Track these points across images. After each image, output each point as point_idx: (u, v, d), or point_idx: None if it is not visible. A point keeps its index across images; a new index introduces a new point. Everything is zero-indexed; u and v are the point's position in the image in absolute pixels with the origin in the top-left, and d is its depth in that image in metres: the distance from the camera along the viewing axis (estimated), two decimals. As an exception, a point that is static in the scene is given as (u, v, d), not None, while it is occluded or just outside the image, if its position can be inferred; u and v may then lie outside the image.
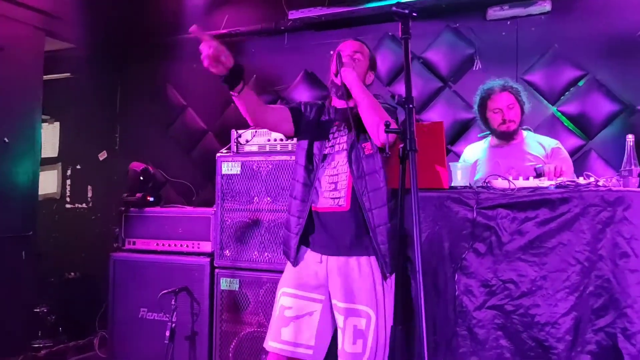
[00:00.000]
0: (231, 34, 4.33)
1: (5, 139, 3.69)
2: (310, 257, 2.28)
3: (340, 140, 2.22)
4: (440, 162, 2.32)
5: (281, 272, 3.15)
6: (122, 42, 4.58)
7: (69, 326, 4.21)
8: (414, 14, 1.46)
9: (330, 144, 2.25)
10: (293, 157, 3.18)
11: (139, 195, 3.77)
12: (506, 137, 2.96)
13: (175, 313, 3.18)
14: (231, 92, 2.04)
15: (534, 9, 3.49)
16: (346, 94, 2.18)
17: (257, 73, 4.34)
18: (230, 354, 3.30)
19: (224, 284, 3.37)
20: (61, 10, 4.06)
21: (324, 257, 2.22)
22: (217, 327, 3.36)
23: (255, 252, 3.31)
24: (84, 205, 4.37)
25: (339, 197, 2.18)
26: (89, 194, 4.51)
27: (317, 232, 2.24)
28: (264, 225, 3.29)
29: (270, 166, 3.29)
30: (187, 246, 3.58)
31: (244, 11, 4.35)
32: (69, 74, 4.49)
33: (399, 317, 1.35)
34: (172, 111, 4.64)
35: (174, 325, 3.16)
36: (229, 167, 3.41)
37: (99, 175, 4.60)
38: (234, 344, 3.30)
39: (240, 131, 3.46)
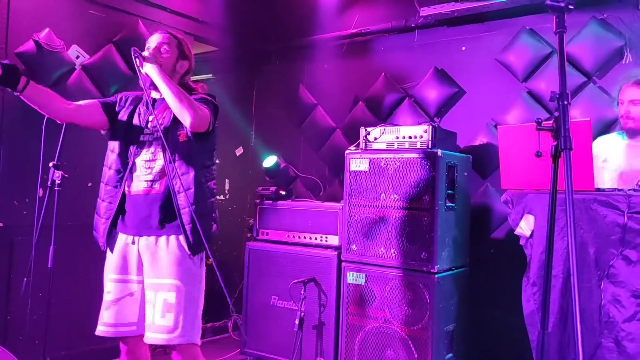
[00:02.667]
0: (361, 33, 4.41)
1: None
2: (122, 239, 2.37)
3: (158, 128, 2.30)
4: (586, 163, 2.19)
5: (408, 270, 3.20)
6: (258, 44, 4.86)
7: (207, 309, 4.54)
8: (571, 6, 1.37)
9: (148, 132, 2.37)
10: (422, 155, 3.20)
11: (272, 188, 3.98)
12: (630, 133, 2.72)
13: (304, 302, 3.33)
14: (14, 93, 2.14)
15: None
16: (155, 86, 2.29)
17: (385, 71, 4.37)
18: (356, 347, 3.37)
19: (351, 277, 3.44)
20: (207, 16, 4.41)
21: (136, 238, 2.33)
22: (343, 319, 3.44)
23: (382, 248, 3.34)
24: (222, 197, 4.69)
25: (154, 181, 2.31)
26: (227, 187, 4.84)
27: (128, 215, 2.35)
28: (390, 222, 3.31)
29: (397, 164, 3.30)
30: (316, 239, 3.72)
31: (374, 10, 4.41)
32: (211, 75, 4.85)
33: (546, 322, 1.30)
34: (303, 110, 4.82)
35: (302, 314, 3.32)
36: (357, 164, 3.48)
37: (235, 170, 4.92)
38: (359, 336, 3.36)
39: (369, 129, 3.52)
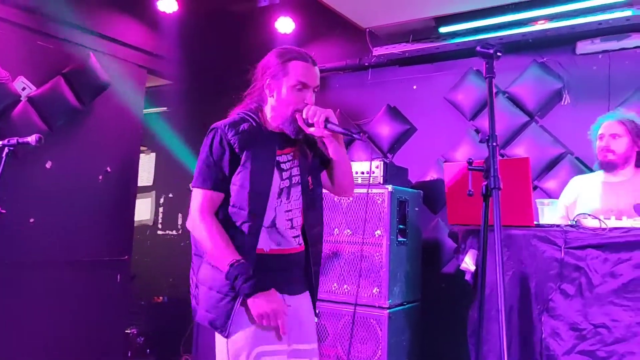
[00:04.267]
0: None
1: (108, 169, 4.02)
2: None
3: (294, 172, 1.93)
4: (526, 199, 2.27)
5: (361, 305, 3.20)
6: (216, 77, 4.88)
7: (156, 348, 4.42)
8: (499, 54, 1.46)
9: (286, 175, 1.92)
10: (374, 190, 3.25)
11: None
12: (605, 167, 2.79)
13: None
14: None
15: (628, 42, 3.36)
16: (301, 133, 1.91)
17: (341, 107, 4.45)
18: (308, 385, 3.31)
19: (303, 313, 3.41)
20: (162, 49, 4.41)
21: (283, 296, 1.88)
22: (295, 356, 3.39)
23: (335, 284, 3.34)
24: (174, 232, 4.62)
25: (297, 236, 1.94)
26: (179, 222, 4.77)
27: (269, 272, 1.87)
28: (343, 257, 3.33)
29: (350, 199, 3.34)
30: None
31: (330, 48, 4.51)
32: (166, 108, 4.83)
33: (479, 353, 1.32)
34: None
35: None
36: (311, 199, 3.49)
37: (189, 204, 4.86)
38: (311, 374, 3.31)
39: (322, 164, 3.55)
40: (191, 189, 1.88)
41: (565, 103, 3.56)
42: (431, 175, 3.99)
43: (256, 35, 4.55)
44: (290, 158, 1.93)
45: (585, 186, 2.85)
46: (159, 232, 4.88)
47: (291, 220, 1.91)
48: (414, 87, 4.17)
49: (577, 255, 2.04)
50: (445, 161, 3.91)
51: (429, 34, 3.84)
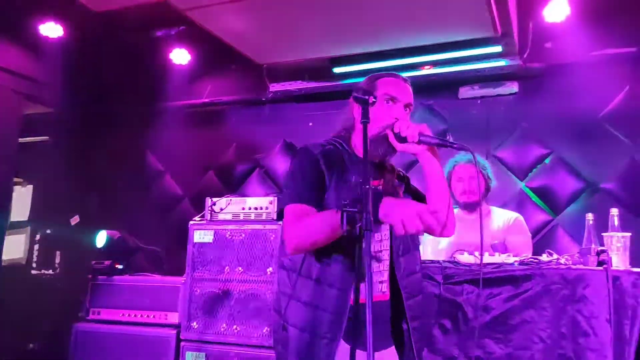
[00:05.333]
0: (213, 103, 4.44)
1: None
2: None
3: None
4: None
5: (251, 346, 3.10)
6: (103, 108, 4.65)
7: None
8: (374, 100, 1.53)
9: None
10: (267, 226, 3.20)
11: (107, 262, 3.70)
12: (468, 207, 2.98)
13: (137, 387, 3.05)
14: None
15: (503, 90, 3.65)
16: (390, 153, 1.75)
17: (237, 141, 4.42)
18: None
19: (190, 358, 3.24)
20: (42, 75, 4.13)
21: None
22: (180, 403, 3.21)
23: (224, 325, 3.22)
24: (50, 271, 4.26)
25: (382, 282, 1.67)
26: (57, 260, 4.41)
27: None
28: (234, 296, 3.22)
29: (243, 235, 3.27)
30: (154, 317, 3.46)
31: (226, 81, 4.48)
32: (46, 137, 4.51)
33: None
34: (150, 177, 4.65)
35: (135, 401, 3.03)
36: (201, 236, 3.38)
37: (69, 241, 4.52)
38: (197, 421, 3.14)
39: (214, 199, 3.46)
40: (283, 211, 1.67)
41: (449, 144, 3.77)
42: (325, 212, 4.03)
43: (150, 65, 4.42)
44: (379, 190, 1.69)
45: None
46: (33, 272, 4.47)
47: (379, 261, 1.65)
48: (310, 124, 4.24)
49: (454, 291, 2.12)
50: (339, 198, 3.97)
51: (324, 74, 3.94)
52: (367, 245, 1.26)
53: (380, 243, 1.68)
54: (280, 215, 1.33)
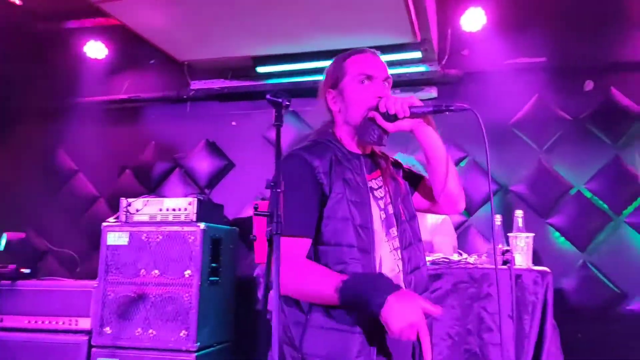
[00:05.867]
0: (131, 99, 4.27)
1: None
2: None
3: (387, 201, 1.56)
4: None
5: (167, 350, 3.01)
6: (7, 103, 4.35)
7: None
8: (287, 103, 1.45)
9: (382, 205, 1.55)
10: (186, 228, 3.12)
11: (12, 266, 3.46)
12: None
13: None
14: None
15: (422, 95, 3.77)
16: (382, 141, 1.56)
17: (156, 140, 4.27)
18: None
19: (102, 364, 3.11)
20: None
21: None
22: (92, 413, 3.07)
23: (139, 329, 3.11)
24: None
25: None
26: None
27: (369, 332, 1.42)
28: (150, 300, 3.12)
29: (160, 237, 3.17)
30: (64, 323, 3.29)
31: (146, 77, 4.32)
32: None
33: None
34: (61, 176, 4.41)
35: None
36: (115, 238, 3.24)
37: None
38: None
39: (130, 200, 3.33)
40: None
41: (371, 147, 3.84)
42: (248, 212, 3.98)
43: (63, 58, 4.20)
44: (380, 184, 1.55)
45: None
46: None
47: (397, 262, 1.49)
48: (233, 123, 4.18)
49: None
50: (261, 198, 3.93)
51: (247, 73, 3.89)
52: (276, 250, 1.22)
53: (397, 250, 1.53)
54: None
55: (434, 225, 3.04)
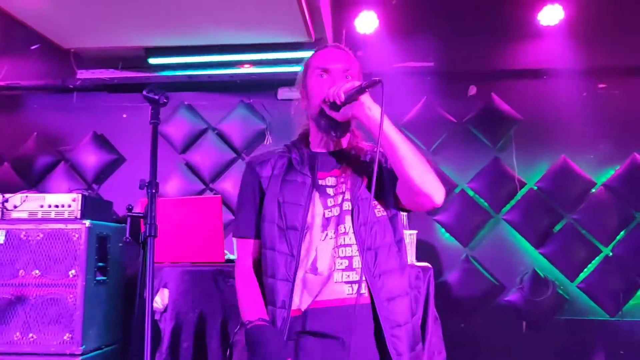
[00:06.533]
0: (9, 87, 3.96)
1: None
2: None
3: (345, 197, 1.49)
4: (217, 236, 2.35)
5: (49, 354, 2.85)
6: None
7: None
8: (165, 100, 1.47)
9: (332, 203, 1.50)
10: (70, 225, 2.97)
11: None
12: None
13: None
14: None
15: (317, 93, 3.84)
16: (344, 133, 1.54)
17: (38, 131, 4.01)
18: None
19: (-24, 372, 2.89)
20: None
21: None
22: None
23: (18, 333, 2.92)
24: None
25: (357, 282, 1.41)
26: None
27: (309, 336, 1.42)
28: (29, 302, 2.94)
29: (41, 235, 2.98)
30: None
31: (26, 64, 4.01)
32: None
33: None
34: None
35: None
36: (-10, 236, 3.01)
37: None
38: None
39: (7, 195, 3.10)
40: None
41: (268, 143, 3.87)
42: (140, 208, 3.85)
43: None
44: (339, 181, 1.49)
45: None
46: None
47: (349, 259, 1.42)
48: (124, 115, 4.01)
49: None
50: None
51: (139, 64, 3.75)
52: (150, 253, 1.23)
53: (346, 247, 1.46)
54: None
55: None
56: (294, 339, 1.41)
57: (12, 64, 4.02)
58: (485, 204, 3.71)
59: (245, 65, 3.75)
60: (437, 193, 1.40)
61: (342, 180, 1.50)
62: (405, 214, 1.66)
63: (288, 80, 3.90)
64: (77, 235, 2.97)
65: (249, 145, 3.91)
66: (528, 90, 3.77)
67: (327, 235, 1.44)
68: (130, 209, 1.28)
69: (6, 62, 4.01)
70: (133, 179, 3.94)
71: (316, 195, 1.48)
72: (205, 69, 3.74)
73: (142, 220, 1.32)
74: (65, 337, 2.89)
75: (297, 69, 3.70)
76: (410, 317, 1.46)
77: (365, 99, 1.43)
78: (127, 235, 1.25)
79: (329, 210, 1.47)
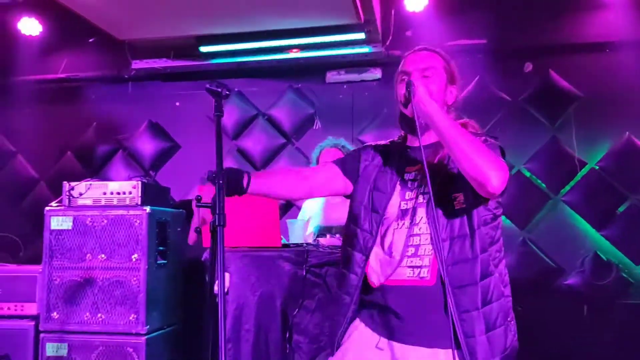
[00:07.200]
0: (70, 79, 4.13)
1: None
2: (365, 337, 1.60)
3: (424, 190, 1.59)
4: (273, 221, 2.40)
5: (116, 333, 3.01)
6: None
7: None
8: (227, 93, 1.52)
9: (411, 196, 1.61)
10: (131, 212, 3.09)
11: (-51, 253, 3.35)
12: None
13: (-12, 388, 2.85)
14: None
15: (367, 76, 3.82)
16: (419, 128, 1.53)
17: (97, 120, 4.16)
18: None
19: (51, 349, 3.07)
20: None
21: (390, 343, 1.55)
22: (41, 398, 3.05)
23: (87, 314, 3.08)
24: None
25: (421, 267, 1.53)
26: None
27: (379, 309, 1.58)
28: (97, 284, 3.09)
29: (105, 221, 3.12)
30: (9, 309, 3.22)
31: (84, 57, 4.17)
32: None
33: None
34: (-1, 158, 4.25)
35: (-11, 400, 2.83)
36: (59, 222, 3.17)
37: None
38: (58, 417, 3.00)
39: (73, 183, 3.25)
40: None
41: (316, 128, 3.88)
42: (195, 194, 3.96)
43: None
44: (418, 175, 1.60)
45: (311, 206, 3.15)
46: None
47: (416, 247, 1.54)
48: (177, 103, 4.11)
49: (316, 273, 2.21)
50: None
51: (191, 52, 3.82)
52: (220, 242, 1.28)
53: (419, 235, 1.56)
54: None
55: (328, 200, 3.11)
56: (362, 307, 1.61)
57: (71, 56, 4.18)
58: (543, 185, 3.60)
59: (294, 50, 3.76)
60: (490, 180, 1.43)
61: (421, 173, 1.58)
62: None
63: (336, 64, 3.93)
64: (138, 221, 3.09)
65: (298, 130, 3.94)
66: (589, 66, 3.60)
67: (403, 224, 1.57)
68: (199, 199, 1.32)
69: (66, 55, 4.17)
70: (187, 165, 4.11)
71: (398, 187, 1.62)
72: (254, 56, 3.77)
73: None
74: (130, 318, 3.03)
75: (346, 51, 3.76)
76: (480, 305, 1.50)
77: (421, 95, 1.51)
78: (198, 224, 1.30)
79: (405, 202, 1.59)
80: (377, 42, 3.70)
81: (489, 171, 1.43)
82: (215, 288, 2.46)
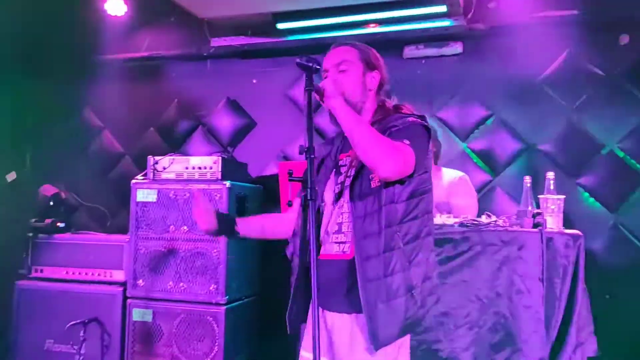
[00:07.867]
0: (152, 57, 4.26)
1: None
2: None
3: (350, 173, 1.79)
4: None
5: (197, 302, 3.13)
6: (36, 59, 4.37)
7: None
8: (317, 67, 1.53)
9: (340, 180, 1.82)
10: (212, 186, 3.18)
11: (48, 220, 3.59)
12: None
13: (84, 345, 3.05)
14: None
15: (447, 50, 3.69)
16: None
17: (178, 97, 4.29)
18: (141, 389, 3.18)
19: (137, 314, 3.26)
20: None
21: (324, 312, 1.79)
22: (128, 359, 3.23)
23: (170, 282, 3.23)
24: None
25: (344, 242, 1.75)
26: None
27: (318, 283, 1.66)
28: (179, 255, 3.23)
29: (187, 194, 3.24)
30: (99, 275, 3.44)
31: (165, 35, 4.27)
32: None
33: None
34: (88, 133, 4.47)
35: (82, 358, 3.04)
36: (144, 195, 3.32)
37: (5, 198, 4.32)
38: (145, 378, 3.18)
39: (157, 158, 3.39)
40: None
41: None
42: (271, 170, 4.02)
43: (84, 16, 4.16)
44: (349, 160, 1.81)
45: None
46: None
47: (340, 224, 1.76)
48: (254, 81, 4.15)
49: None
50: (283, 157, 3.97)
51: (268, 29, 3.82)
52: (311, 214, 1.30)
53: (343, 214, 1.77)
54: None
55: (451, 185, 3.03)
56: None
57: (154, 35, 4.31)
58: (638, 165, 3.36)
59: (371, 25, 3.69)
60: (379, 167, 1.60)
61: (351, 158, 1.80)
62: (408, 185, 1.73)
63: (413, 38, 3.81)
64: (218, 195, 3.19)
65: (376, 109, 3.87)
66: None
67: (336, 206, 1.78)
68: (290, 174, 1.33)
69: (149, 34, 4.30)
70: (264, 141, 4.14)
71: (333, 174, 1.83)
72: (330, 32, 3.72)
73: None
74: (211, 288, 3.15)
75: (424, 25, 3.63)
76: (382, 275, 1.63)
77: (325, 90, 1.68)
78: (290, 198, 1.31)
79: (338, 186, 1.80)
80: (458, 15, 3.55)
81: (379, 160, 1.59)
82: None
